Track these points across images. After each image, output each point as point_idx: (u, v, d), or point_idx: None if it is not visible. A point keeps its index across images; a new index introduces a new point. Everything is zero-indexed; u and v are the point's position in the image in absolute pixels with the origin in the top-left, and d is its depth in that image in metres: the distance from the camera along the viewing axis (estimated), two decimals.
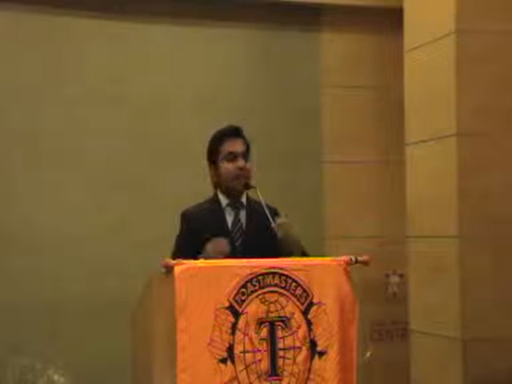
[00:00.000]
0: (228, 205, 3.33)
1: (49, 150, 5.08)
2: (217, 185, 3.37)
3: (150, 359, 2.76)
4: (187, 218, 3.32)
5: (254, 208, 3.32)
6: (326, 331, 2.85)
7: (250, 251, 3.11)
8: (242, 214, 3.33)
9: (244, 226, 3.30)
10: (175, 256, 3.00)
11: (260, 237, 3.21)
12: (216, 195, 3.37)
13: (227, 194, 3.33)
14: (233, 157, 3.30)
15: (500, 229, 4.52)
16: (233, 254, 3.12)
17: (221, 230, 3.25)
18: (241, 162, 3.29)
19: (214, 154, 3.36)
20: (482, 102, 4.54)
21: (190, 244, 3.19)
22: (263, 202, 3.22)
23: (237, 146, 3.32)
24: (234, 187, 3.31)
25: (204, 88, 5.35)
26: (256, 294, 2.79)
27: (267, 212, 3.17)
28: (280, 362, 2.79)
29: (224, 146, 3.33)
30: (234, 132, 3.36)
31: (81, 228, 5.07)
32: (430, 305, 4.71)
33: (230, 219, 3.31)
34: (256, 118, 5.34)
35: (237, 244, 3.25)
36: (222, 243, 3.11)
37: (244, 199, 3.35)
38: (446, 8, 4.61)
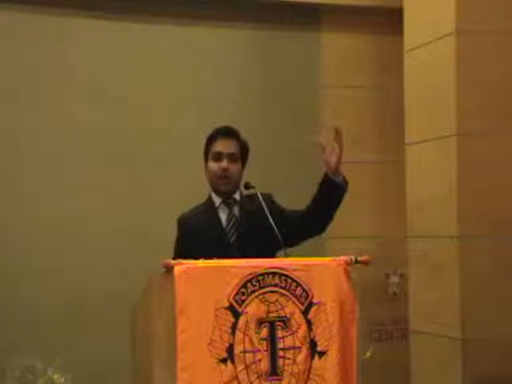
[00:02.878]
0: (222, 203, 3.34)
1: (50, 151, 5.08)
2: (209, 184, 3.38)
3: (150, 359, 2.76)
4: (181, 221, 3.34)
5: (247, 201, 3.33)
6: (326, 331, 2.85)
7: (246, 244, 3.14)
8: (236, 210, 3.33)
9: (239, 221, 3.30)
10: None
11: (256, 229, 3.22)
12: (210, 195, 3.38)
13: (217, 193, 3.35)
14: (219, 157, 3.31)
15: (500, 229, 4.52)
16: (228, 252, 3.13)
17: (215, 229, 3.27)
18: (224, 163, 3.29)
19: (206, 152, 3.38)
20: (482, 102, 4.54)
21: (187, 248, 3.20)
22: (263, 203, 3.22)
23: (225, 146, 3.32)
24: (217, 187, 3.33)
25: (203, 88, 5.35)
26: (256, 293, 2.79)
27: (267, 212, 3.18)
28: (280, 361, 2.79)
29: (213, 146, 3.34)
30: (225, 132, 3.36)
31: (82, 229, 5.07)
32: (430, 305, 4.71)
33: (223, 216, 3.31)
34: (256, 118, 5.34)
35: (232, 240, 3.26)
36: None
37: (237, 195, 3.36)
38: (446, 8, 4.62)
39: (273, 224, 3.13)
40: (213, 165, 3.31)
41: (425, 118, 4.84)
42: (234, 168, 3.31)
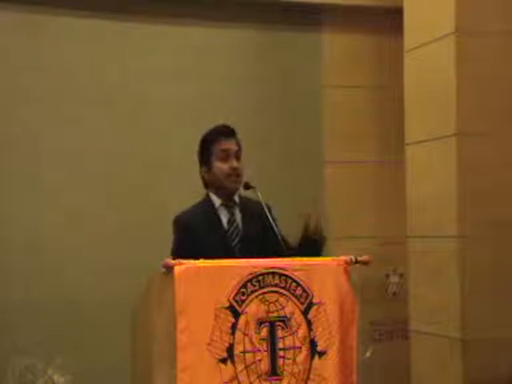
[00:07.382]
0: (221, 205, 3.30)
1: (49, 151, 5.07)
2: (209, 185, 3.34)
3: (150, 359, 2.76)
4: (180, 223, 3.26)
5: (247, 206, 3.31)
6: (326, 331, 2.85)
7: (247, 249, 3.12)
8: (237, 213, 3.31)
9: (240, 224, 3.28)
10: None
11: (256, 234, 3.21)
12: (208, 196, 3.34)
13: (220, 193, 3.31)
14: (226, 156, 3.28)
15: (500, 229, 4.52)
16: (230, 255, 3.11)
17: (217, 232, 3.24)
18: (234, 162, 3.27)
19: (206, 153, 3.33)
20: (482, 102, 4.54)
21: (187, 249, 3.13)
22: (263, 203, 3.22)
23: (230, 145, 3.30)
24: (227, 187, 3.29)
25: (203, 88, 5.35)
26: (256, 293, 2.79)
27: (267, 211, 3.18)
28: (280, 361, 2.80)
29: (217, 145, 3.30)
30: (227, 131, 3.33)
31: (81, 229, 5.07)
32: (430, 305, 4.71)
33: (225, 219, 3.28)
34: (256, 118, 5.34)
35: (233, 243, 3.24)
36: None
37: (236, 198, 3.34)
38: (446, 8, 4.61)
39: (275, 229, 3.12)
40: (221, 165, 3.27)
41: (425, 118, 4.84)
42: (241, 165, 3.31)
